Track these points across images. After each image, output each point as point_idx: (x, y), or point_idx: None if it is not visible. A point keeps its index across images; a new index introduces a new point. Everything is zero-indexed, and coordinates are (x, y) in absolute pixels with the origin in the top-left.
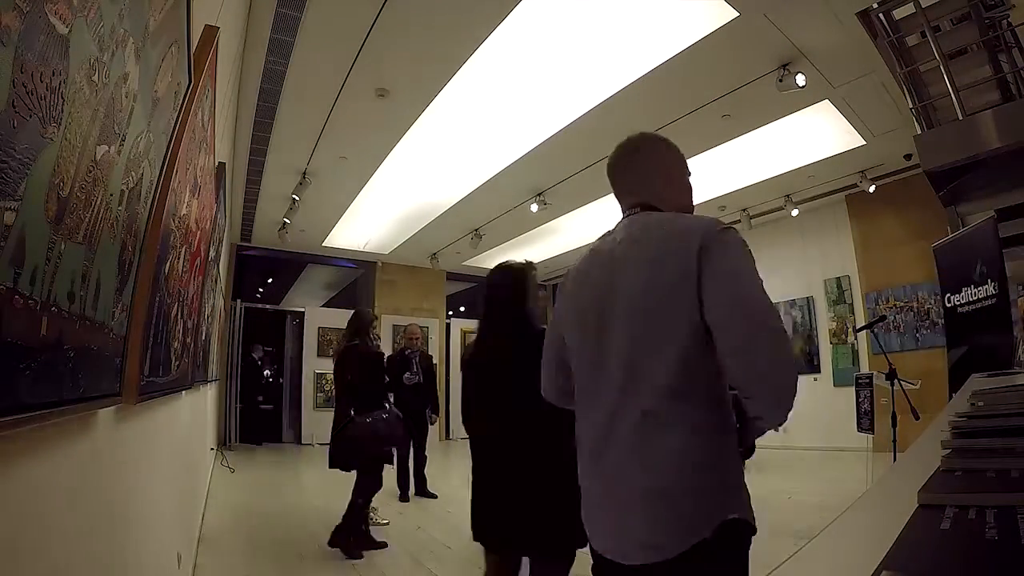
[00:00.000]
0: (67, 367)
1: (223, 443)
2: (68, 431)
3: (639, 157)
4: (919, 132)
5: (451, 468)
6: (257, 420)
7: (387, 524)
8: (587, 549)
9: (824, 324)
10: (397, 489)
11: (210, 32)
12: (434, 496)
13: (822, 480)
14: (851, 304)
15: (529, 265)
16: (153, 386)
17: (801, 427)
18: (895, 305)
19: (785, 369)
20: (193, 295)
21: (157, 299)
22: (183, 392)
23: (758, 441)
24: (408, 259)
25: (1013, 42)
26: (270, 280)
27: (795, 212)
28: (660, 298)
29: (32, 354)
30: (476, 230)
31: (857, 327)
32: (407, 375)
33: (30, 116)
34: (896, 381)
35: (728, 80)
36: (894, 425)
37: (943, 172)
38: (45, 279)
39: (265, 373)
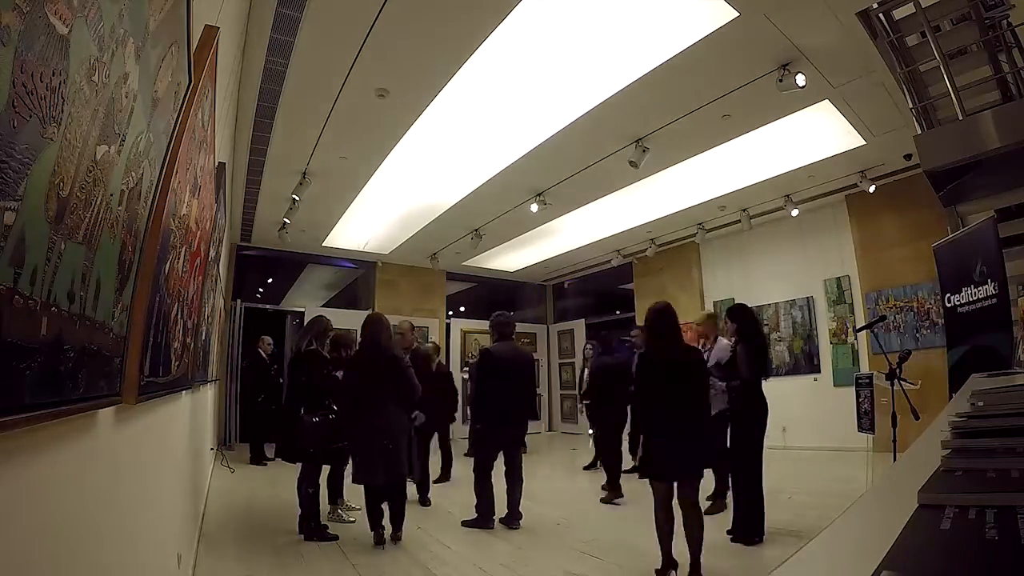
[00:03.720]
0: (67, 367)
1: (223, 443)
2: (68, 431)
3: None
4: (919, 132)
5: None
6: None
7: (353, 522)
8: None
9: (824, 324)
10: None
11: (210, 32)
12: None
13: (822, 480)
14: (851, 304)
15: None
16: (153, 386)
17: (801, 427)
18: (895, 305)
19: None
20: (193, 295)
21: (157, 299)
22: (183, 392)
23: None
24: (408, 259)
25: (1013, 42)
26: (270, 280)
27: (795, 212)
28: None
29: (32, 354)
30: (476, 230)
31: (857, 327)
32: None
33: (30, 116)
34: (896, 381)
35: (728, 80)
36: (894, 425)
37: (943, 172)
38: (45, 279)
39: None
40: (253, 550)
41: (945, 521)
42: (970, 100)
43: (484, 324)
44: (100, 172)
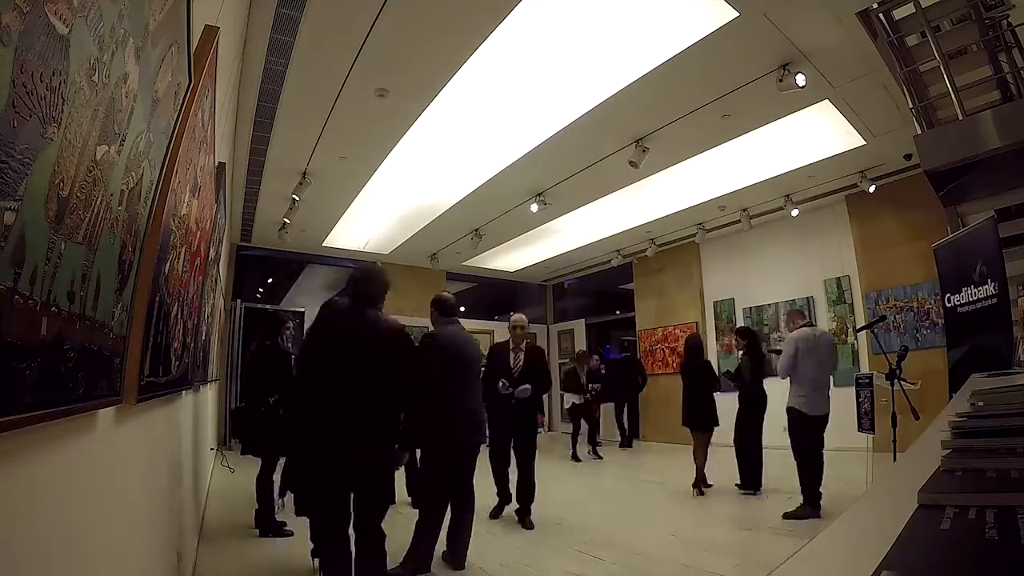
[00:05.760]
0: (67, 367)
1: (223, 443)
2: (68, 431)
3: None
4: (919, 132)
5: None
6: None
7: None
8: None
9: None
10: None
11: (210, 32)
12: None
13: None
14: (851, 304)
15: None
16: (153, 386)
17: None
18: (895, 305)
19: None
20: (193, 295)
21: (157, 299)
22: (183, 392)
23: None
24: (408, 259)
25: (1013, 42)
26: (270, 280)
27: (795, 212)
28: None
29: (32, 354)
30: (476, 230)
31: (857, 327)
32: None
33: (30, 116)
34: (896, 381)
35: (728, 80)
36: (894, 425)
37: (943, 172)
38: (45, 279)
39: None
40: (253, 549)
41: (945, 521)
42: (970, 100)
43: (484, 324)
44: (100, 172)
